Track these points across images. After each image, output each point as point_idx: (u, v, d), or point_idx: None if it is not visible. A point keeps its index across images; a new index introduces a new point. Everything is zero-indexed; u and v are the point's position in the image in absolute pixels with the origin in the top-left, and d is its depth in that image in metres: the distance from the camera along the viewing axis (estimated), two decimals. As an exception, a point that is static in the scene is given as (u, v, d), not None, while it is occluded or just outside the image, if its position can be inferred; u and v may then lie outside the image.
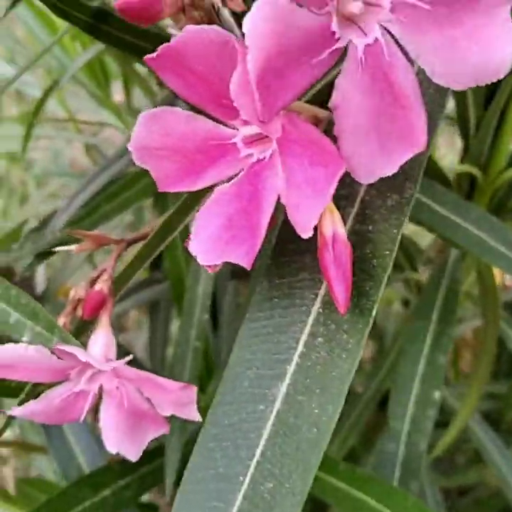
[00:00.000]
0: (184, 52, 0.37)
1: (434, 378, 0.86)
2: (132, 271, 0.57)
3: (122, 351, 0.57)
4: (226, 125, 0.41)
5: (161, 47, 0.37)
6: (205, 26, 0.36)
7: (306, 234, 0.37)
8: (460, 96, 0.78)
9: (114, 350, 0.55)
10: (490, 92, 0.80)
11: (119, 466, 0.80)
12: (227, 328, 1.04)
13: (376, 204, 0.43)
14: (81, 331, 0.59)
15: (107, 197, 0.93)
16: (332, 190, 0.36)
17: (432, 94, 0.46)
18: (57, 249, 0.58)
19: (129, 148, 0.41)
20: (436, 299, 0.89)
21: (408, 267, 1.09)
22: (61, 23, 1.37)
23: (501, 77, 0.37)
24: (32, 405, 0.53)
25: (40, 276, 1.28)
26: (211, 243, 0.40)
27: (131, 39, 0.66)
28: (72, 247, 0.57)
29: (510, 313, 1.06)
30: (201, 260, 0.40)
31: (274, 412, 0.41)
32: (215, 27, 0.36)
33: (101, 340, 0.54)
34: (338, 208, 0.44)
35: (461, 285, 0.93)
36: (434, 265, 0.94)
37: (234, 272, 1.07)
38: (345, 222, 0.43)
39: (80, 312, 0.56)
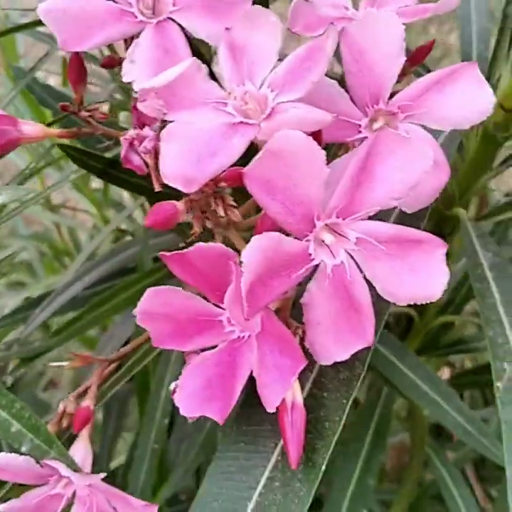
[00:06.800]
0: (194, 259, 0.48)
1: (363, 497, 0.95)
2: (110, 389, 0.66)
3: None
4: (217, 306, 0.51)
5: (175, 253, 0.48)
6: (213, 244, 0.48)
7: (270, 408, 0.47)
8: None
9: (90, 461, 0.62)
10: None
11: None
12: (181, 430, 1.10)
13: (331, 375, 0.54)
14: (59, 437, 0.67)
15: (102, 300, 0.96)
16: (294, 379, 0.46)
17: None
18: (51, 364, 0.66)
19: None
20: (371, 423, 0.99)
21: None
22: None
23: (434, 301, 0.49)
24: (13, 503, 0.60)
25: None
26: (192, 399, 0.50)
27: (136, 180, 0.78)
28: (64, 363, 0.65)
29: (435, 436, 1.16)
30: (183, 411, 0.49)
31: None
32: (219, 246, 0.48)
33: (80, 452, 0.62)
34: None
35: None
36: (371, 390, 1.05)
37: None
38: (303, 386, 0.54)
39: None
